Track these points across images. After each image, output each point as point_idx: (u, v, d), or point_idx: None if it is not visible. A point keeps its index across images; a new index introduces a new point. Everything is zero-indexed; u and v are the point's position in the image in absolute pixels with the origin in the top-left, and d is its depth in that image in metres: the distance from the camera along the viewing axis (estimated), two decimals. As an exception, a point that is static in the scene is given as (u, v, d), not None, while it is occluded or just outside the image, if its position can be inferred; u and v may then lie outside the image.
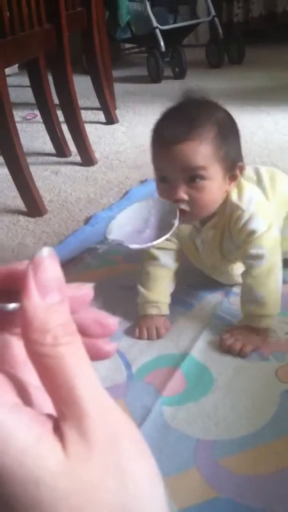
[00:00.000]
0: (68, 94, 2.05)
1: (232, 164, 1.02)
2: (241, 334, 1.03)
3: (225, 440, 0.84)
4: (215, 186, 1.00)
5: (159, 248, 1.13)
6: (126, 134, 2.48)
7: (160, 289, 1.14)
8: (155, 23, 3.45)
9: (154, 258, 1.14)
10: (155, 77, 3.51)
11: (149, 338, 1.09)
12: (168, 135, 0.98)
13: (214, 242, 1.11)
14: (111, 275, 1.33)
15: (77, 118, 2.10)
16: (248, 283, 1.05)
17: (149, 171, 1.97)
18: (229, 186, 1.04)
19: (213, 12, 3.66)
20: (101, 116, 2.68)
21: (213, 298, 1.20)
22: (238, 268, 1.16)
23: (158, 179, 1.03)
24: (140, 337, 1.09)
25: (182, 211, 0.97)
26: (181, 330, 1.10)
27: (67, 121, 2.12)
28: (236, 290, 1.21)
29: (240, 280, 1.18)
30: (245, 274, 1.07)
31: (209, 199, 1.01)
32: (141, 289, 1.14)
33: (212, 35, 3.81)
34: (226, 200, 1.05)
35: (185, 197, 0.98)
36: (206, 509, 0.73)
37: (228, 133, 1.01)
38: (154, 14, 3.48)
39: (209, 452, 0.82)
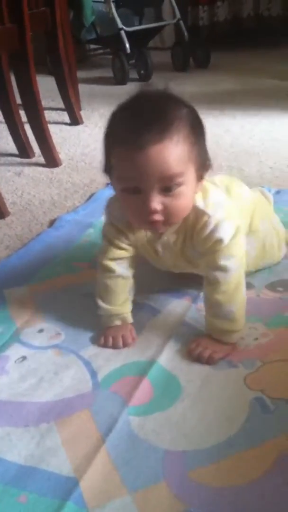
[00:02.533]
0: (31, 94, 2.01)
1: (203, 163, 0.95)
2: (210, 342, 1.01)
3: (195, 450, 0.81)
4: (190, 190, 0.93)
5: (112, 259, 1.09)
6: (91, 136, 2.45)
7: (121, 300, 1.10)
8: (120, 25, 3.42)
9: (109, 270, 1.08)
10: (120, 79, 3.48)
11: (115, 347, 1.05)
12: (140, 135, 0.85)
13: (175, 248, 1.07)
14: (74, 282, 1.29)
15: (41, 118, 2.06)
16: (216, 298, 1.00)
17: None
18: (197, 188, 0.98)
19: (178, 15, 3.66)
20: (65, 117, 2.64)
21: (179, 304, 1.17)
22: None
23: (125, 190, 0.92)
24: (105, 346, 1.06)
25: (156, 222, 0.93)
26: (147, 337, 1.08)
27: (30, 121, 2.08)
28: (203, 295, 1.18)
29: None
30: (210, 288, 1.01)
31: (185, 205, 0.94)
32: (101, 303, 1.10)
33: (178, 38, 3.81)
34: None
35: (159, 207, 0.90)
36: (175, 524, 0.71)
37: (198, 128, 0.94)
38: (119, 16, 3.45)
39: (178, 463, 0.79)
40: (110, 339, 1.06)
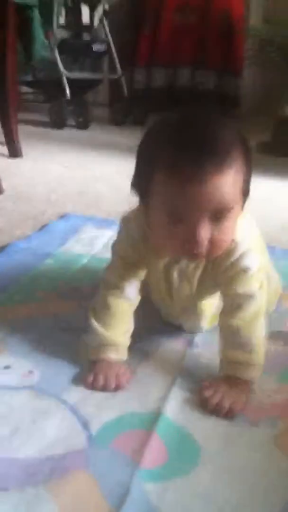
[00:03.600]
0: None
1: (247, 192, 0.84)
2: (226, 388, 0.84)
3: (238, 532, 0.62)
4: (235, 221, 0.82)
5: (123, 277, 0.92)
6: (33, 169, 2.27)
7: (122, 327, 0.91)
8: (62, 69, 3.33)
9: (117, 287, 0.92)
10: (58, 124, 3.35)
11: (106, 388, 0.84)
12: (198, 166, 0.73)
13: (193, 275, 0.92)
14: (41, 314, 1.08)
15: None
16: (235, 325, 0.86)
17: (64, 208, 1.78)
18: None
19: (120, 72, 3.64)
20: (4, 150, 2.44)
21: (173, 347, 0.99)
22: (208, 311, 0.99)
23: (166, 219, 0.78)
24: (94, 387, 0.85)
25: (196, 256, 0.80)
26: (143, 383, 0.88)
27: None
28: (199, 340, 1.02)
29: (204, 327, 1.01)
30: (227, 316, 0.88)
31: (229, 240, 0.83)
32: (97, 326, 0.90)
33: (118, 93, 3.77)
34: None
35: (208, 236, 0.78)
36: None
37: (249, 155, 0.82)
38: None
39: None
40: (101, 378, 0.85)
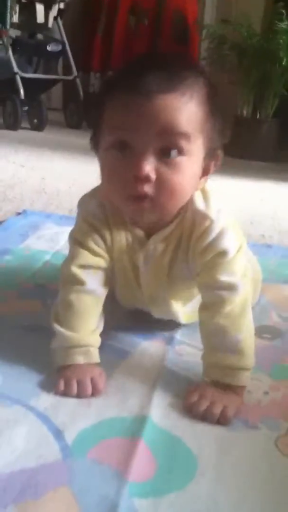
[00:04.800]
0: None
1: (213, 149, 0.75)
2: (215, 392, 0.73)
3: None
4: (191, 168, 0.72)
5: (84, 267, 0.80)
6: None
7: (88, 326, 0.79)
8: (16, 69, 3.20)
9: (76, 281, 0.79)
10: (11, 124, 3.21)
11: (81, 395, 0.73)
12: (146, 79, 0.67)
13: (162, 260, 0.82)
14: (1, 313, 0.96)
15: None
16: (218, 323, 0.75)
17: (22, 205, 1.67)
18: (199, 182, 0.77)
19: (75, 72, 3.54)
20: None
21: (151, 346, 0.89)
22: (182, 303, 0.89)
23: (112, 145, 0.71)
24: (66, 393, 0.73)
25: (143, 197, 0.70)
26: (122, 387, 0.77)
27: None
28: (179, 337, 0.92)
29: (180, 317, 0.91)
30: (209, 312, 0.77)
31: (181, 185, 0.72)
32: (59, 328, 0.78)
33: (73, 95, 3.65)
34: (187, 205, 0.77)
35: (153, 175, 0.69)
36: None
37: (215, 103, 0.74)
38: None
39: None
40: (74, 384, 0.74)
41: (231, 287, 0.76)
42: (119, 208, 0.78)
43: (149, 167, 0.68)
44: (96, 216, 0.81)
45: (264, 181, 2.47)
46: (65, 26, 3.56)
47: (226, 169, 2.21)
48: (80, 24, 4.03)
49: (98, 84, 4.30)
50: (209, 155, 0.75)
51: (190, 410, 0.72)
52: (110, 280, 0.84)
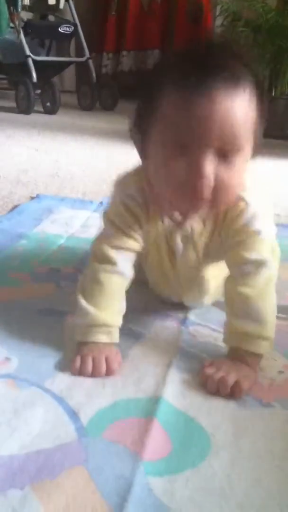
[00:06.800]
0: None
1: (258, 145, 0.75)
2: (231, 365, 0.74)
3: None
4: (244, 164, 0.73)
5: (116, 248, 0.80)
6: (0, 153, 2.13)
7: (115, 307, 0.80)
8: (28, 52, 3.19)
9: (109, 260, 0.80)
10: (24, 108, 3.21)
11: (96, 373, 0.74)
12: (208, 76, 0.65)
13: (199, 240, 0.83)
14: (15, 297, 0.97)
15: None
16: (243, 292, 0.77)
17: (36, 189, 1.67)
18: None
19: (87, 54, 3.52)
20: None
21: (164, 326, 0.89)
22: (213, 283, 0.89)
23: (171, 144, 0.69)
24: (82, 372, 0.74)
25: (202, 198, 0.70)
26: (136, 367, 0.77)
27: None
28: (193, 318, 0.92)
29: (205, 301, 0.92)
30: (235, 282, 0.79)
31: (237, 183, 0.73)
32: (86, 305, 0.78)
33: (85, 77, 3.64)
34: None
35: (212, 179, 0.69)
36: None
37: (265, 102, 0.73)
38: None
39: None
40: (90, 362, 0.75)
41: (258, 263, 0.77)
42: (162, 198, 0.78)
43: (210, 171, 0.68)
44: (135, 200, 0.80)
45: (280, 159, 2.44)
46: (77, 7, 3.53)
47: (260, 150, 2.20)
48: (93, 5, 4.00)
49: (111, 65, 4.28)
50: (255, 148, 0.75)
51: (205, 382, 0.72)
52: (138, 264, 0.84)
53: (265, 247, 0.78)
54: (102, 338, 0.78)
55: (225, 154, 0.69)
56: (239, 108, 0.67)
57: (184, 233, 0.82)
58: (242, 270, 0.78)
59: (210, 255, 0.84)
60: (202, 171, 0.68)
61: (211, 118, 0.66)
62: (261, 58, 3.02)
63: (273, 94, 3.11)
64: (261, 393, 0.73)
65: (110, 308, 0.79)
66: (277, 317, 0.93)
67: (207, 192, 0.69)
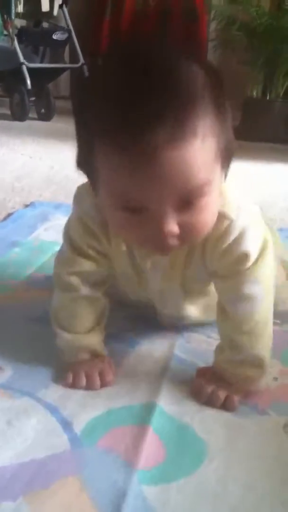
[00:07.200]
0: None
1: (230, 154, 0.64)
2: (221, 378, 0.73)
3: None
4: (215, 198, 0.63)
5: (75, 274, 0.76)
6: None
7: (86, 327, 0.77)
8: (22, 59, 3.18)
9: (71, 288, 0.76)
10: (19, 115, 3.21)
11: (90, 387, 0.73)
12: (147, 131, 0.53)
13: (174, 264, 0.75)
14: (9, 304, 0.96)
15: None
16: (238, 339, 0.72)
17: (30, 196, 1.67)
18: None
19: (82, 60, 3.52)
20: None
21: (159, 333, 0.89)
22: (195, 304, 0.85)
23: (121, 208, 0.61)
24: (75, 386, 0.73)
25: (166, 249, 0.64)
26: (131, 374, 0.78)
27: None
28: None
29: (193, 313, 0.87)
30: (229, 324, 0.73)
31: (209, 220, 0.64)
32: (63, 333, 0.77)
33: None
34: None
35: (177, 230, 0.61)
36: None
37: (222, 99, 0.60)
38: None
39: None
40: (83, 377, 0.74)
41: (252, 299, 0.71)
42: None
43: (172, 227, 0.60)
44: (91, 218, 0.73)
45: (275, 163, 2.44)
46: (72, 12, 3.53)
47: (235, 151, 2.20)
48: (87, 9, 4.01)
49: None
50: (227, 161, 0.65)
51: (197, 392, 0.72)
52: (111, 276, 0.80)
53: (258, 272, 0.71)
54: (85, 356, 0.77)
55: (187, 201, 0.59)
56: (192, 155, 0.56)
57: (154, 258, 0.74)
58: (236, 309, 0.71)
59: (189, 279, 0.77)
60: (163, 231, 0.60)
61: (160, 181, 0.56)
62: (255, 63, 3.03)
63: (267, 97, 3.12)
64: (256, 400, 0.73)
65: (83, 328, 0.77)
66: (272, 323, 0.93)
67: (172, 243, 0.62)
